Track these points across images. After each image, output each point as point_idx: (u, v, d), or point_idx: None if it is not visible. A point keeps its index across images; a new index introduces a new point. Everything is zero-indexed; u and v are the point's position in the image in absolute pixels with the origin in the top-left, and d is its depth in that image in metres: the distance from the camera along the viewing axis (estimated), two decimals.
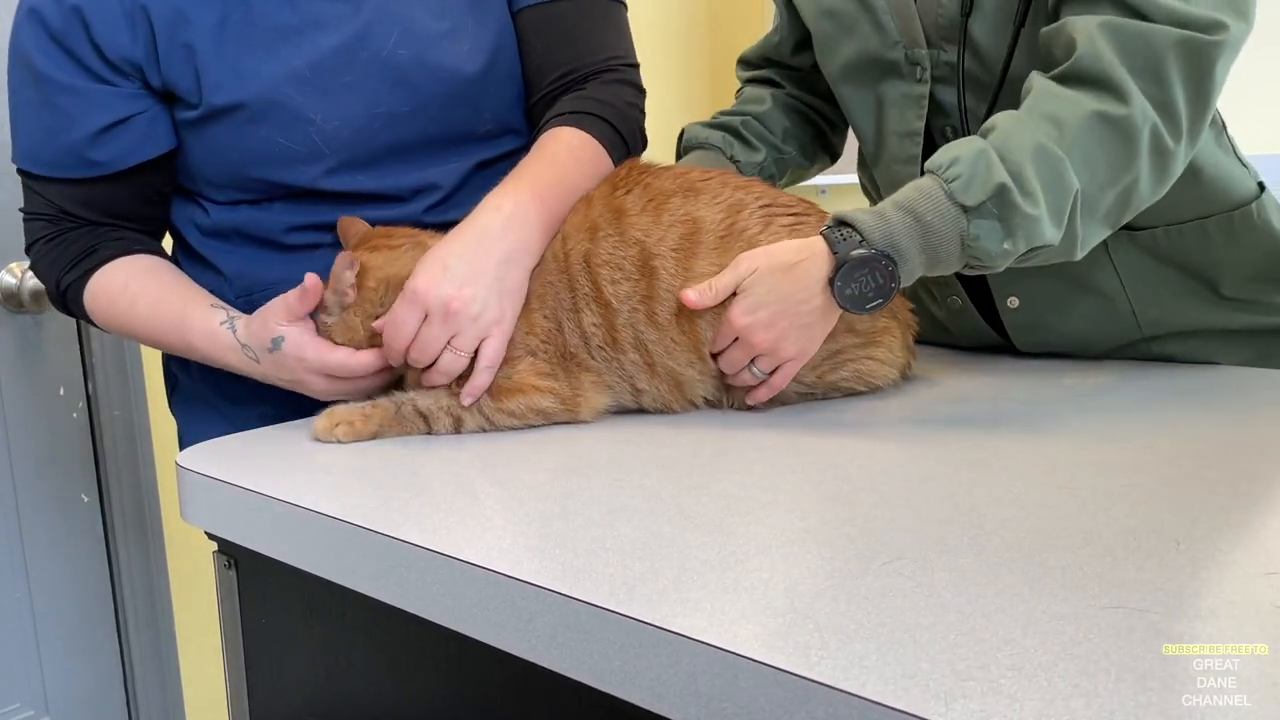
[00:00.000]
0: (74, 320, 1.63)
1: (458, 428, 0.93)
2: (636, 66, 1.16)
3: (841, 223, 0.90)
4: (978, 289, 1.16)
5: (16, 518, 1.59)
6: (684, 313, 0.93)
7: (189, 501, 0.87)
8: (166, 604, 1.77)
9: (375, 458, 0.87)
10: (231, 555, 0.88)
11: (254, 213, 1.06)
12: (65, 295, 1.07)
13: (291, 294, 0.94)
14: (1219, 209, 1.06)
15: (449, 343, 0.90)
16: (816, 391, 1.00)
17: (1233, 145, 1.09)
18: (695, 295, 0.91)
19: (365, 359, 0.95)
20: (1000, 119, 0.90)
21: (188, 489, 0.86)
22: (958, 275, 1.13)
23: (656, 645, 0.54)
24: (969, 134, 1.00)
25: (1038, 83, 0.92)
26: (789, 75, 1.28)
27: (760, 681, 0.50)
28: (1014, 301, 1.14)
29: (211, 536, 0.88)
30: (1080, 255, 0.91)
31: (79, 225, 1.06)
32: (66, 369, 1.63)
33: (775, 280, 0.90)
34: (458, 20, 1.06)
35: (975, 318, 1.18)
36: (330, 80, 1.02)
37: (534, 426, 0.94)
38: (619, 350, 0.95)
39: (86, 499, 1.68)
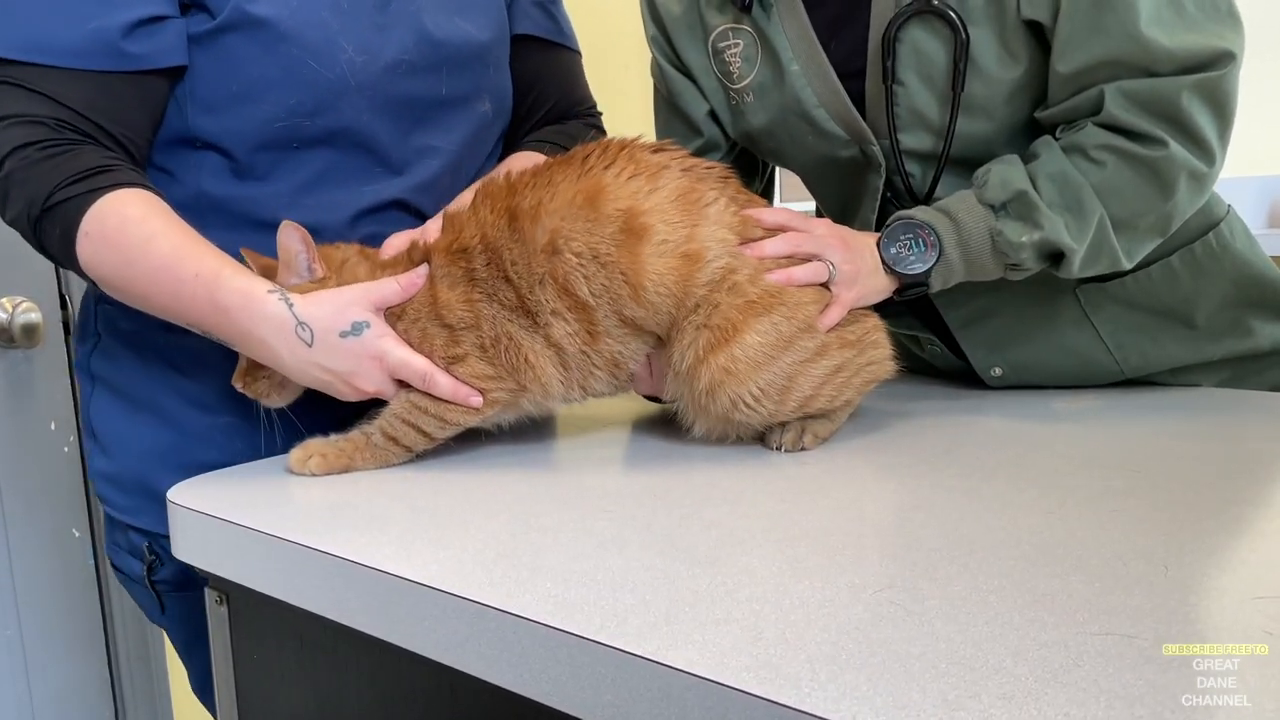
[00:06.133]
0: (65, 354, 1.63)
1: (425, 433, 0.93)
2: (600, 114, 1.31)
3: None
4: (954, 339, 1.17)
5: (7, 552, 1.59)
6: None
7: (180, 537, 0.87)
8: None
9: (366, 492, 0.87)
10: (223, 590, 0.88)
11: (246, 188, 0.99)
12: (50, 212, 0.91)
13: (385, 284, 0.91)
14: (1184, 239, 1.08)
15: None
16: (836, 406, 0.96)
17: None
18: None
19: (443, 381, 0.91)
20: (1039, 145, 0.99)
21: (179, 524, 0.86)
22: (932, 327, 1.15)
23: (648, 678, 0.54)
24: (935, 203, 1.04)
25: (1070, 133, 0.97)
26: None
27: (751, 714, 0.50)
28: (998, 371, 1.15)
29: (201, 573, 0.87)
30: (1130, 264, 1.00)
31: (85, 140, 0.94)
32: (57, 403, 1.63)
33: (847, 252, 0.97)
34: (467, 4, 1.12)
35: (955, 361, 1.19)
36: (364, 18, 1.03)
37: (514, 433, 0.95)
38: (596, 345, 0.92)
39: (78, 533, 1.67)
